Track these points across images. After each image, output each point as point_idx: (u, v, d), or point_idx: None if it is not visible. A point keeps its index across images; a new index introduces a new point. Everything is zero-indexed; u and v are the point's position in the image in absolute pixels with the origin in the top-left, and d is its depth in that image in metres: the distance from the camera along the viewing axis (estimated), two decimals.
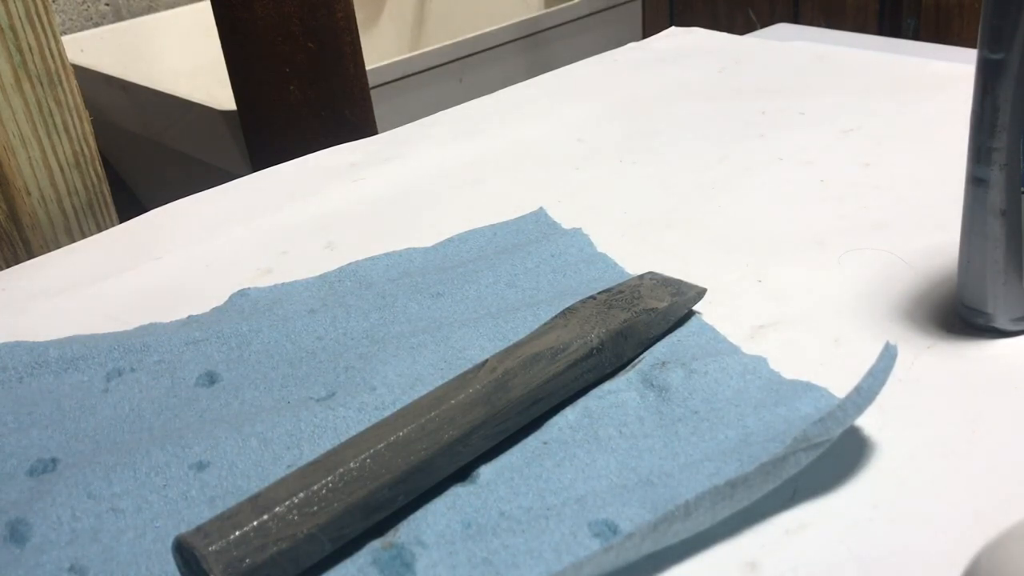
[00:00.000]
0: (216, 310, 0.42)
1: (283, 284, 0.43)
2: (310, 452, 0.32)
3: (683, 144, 0.55)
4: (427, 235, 0.47)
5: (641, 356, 0.35)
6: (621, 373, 0.35)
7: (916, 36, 1.25)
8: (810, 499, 0.29)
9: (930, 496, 0.29)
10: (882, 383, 0.29)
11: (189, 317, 0.41)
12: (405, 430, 0.29)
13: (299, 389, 0.35)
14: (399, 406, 0.33)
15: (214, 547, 0.26)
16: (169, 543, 0.29)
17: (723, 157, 0.53)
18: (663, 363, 0.35)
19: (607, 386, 0.34)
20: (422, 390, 0.34)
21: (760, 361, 0.34)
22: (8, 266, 0.55)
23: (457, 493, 0.30)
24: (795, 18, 1.37)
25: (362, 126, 0.78)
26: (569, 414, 0.33)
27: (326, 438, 0.33)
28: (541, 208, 0.48)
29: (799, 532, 0.28)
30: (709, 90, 0.63)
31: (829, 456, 0.30)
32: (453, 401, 0.31)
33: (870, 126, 0.55)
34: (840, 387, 0.32)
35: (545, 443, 0.32)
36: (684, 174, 0.52)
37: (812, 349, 0.36)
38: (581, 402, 0.33)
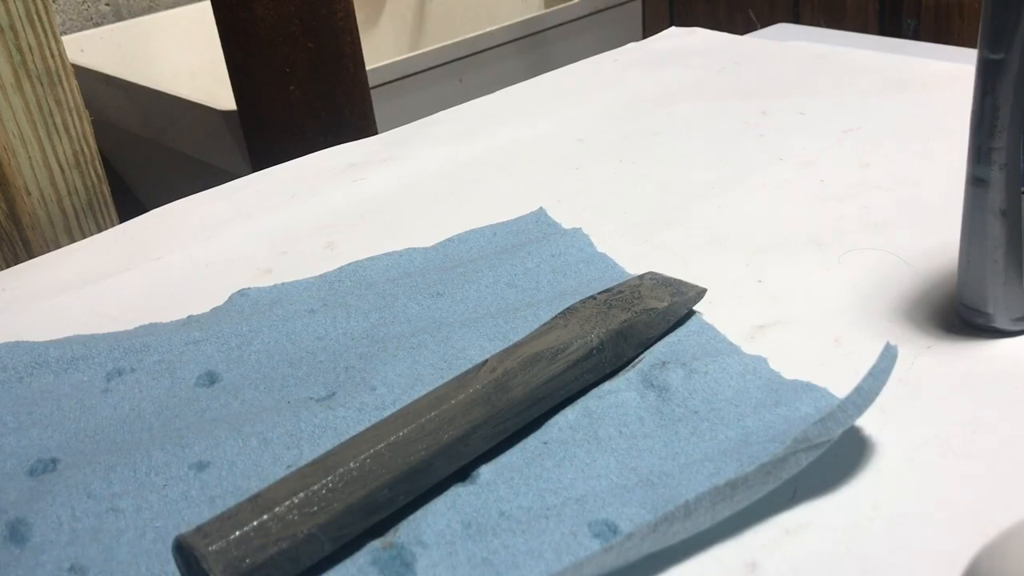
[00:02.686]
0: (216, 310, 0.42)
1: (283, 284, 0.43)
2: (310, 452, 0.32)
3: (683, 144, 0.55)
4: (427, 235, 0.47)
5: (641, 356, 0.35)
6: (621, 373, 0.35)
7: (916, 36, 1.25)
8: (810, 499, 0.29)
9: (930, 496, 0.29)
10: (882, 383, 0.29)
11: (189, 317, 0.41)
12: (405, 430, 0.29)
13: (299, 389, 0.35)
14: (399, 406, 0.33)
15: (214, 547, 0.26)
16: (169, 543, 0.29)
17: (723, 157, 0.53)
18: (663, 363, 0.35)
19: (607, 386, 0.34)
20: (422, 390, 0.34)
21: (760, 361, 0.34)
22: (8, 266, 0.55)
23: (457, 493, 0.30)
24: (795, 18, 1.37)
25: (362, 126, 0.78)
26: (569, 414, 0.33)
27: (326, 438, 0.33)
28: (541, 208, 0.48)
29: (799, 532, 0.28)
30: (709, 90, 0.63)
31: (829, 456, 0.30)
32: (453, 401, 0.31)
33: (870, 126, 0.55)
34: (840, 387, 0.32)
35: (545, 443, 0.32)
36: (684, 174, 0.52)
37: (812, 349, 0.36)
38: (581, 402, 0.33)
